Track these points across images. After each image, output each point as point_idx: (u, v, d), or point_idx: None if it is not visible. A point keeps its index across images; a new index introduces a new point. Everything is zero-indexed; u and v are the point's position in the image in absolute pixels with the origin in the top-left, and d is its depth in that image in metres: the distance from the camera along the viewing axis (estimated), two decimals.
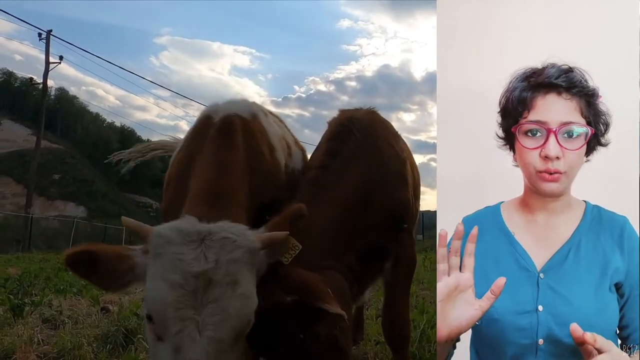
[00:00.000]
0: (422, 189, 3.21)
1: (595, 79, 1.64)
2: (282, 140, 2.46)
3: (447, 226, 1.81)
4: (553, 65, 1.63)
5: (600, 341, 1.36)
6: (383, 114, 2.53)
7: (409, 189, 2.31)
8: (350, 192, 2.04)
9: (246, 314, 1.38)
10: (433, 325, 3.66)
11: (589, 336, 1.36)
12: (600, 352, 1.36)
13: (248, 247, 1.44)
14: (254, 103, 2.57)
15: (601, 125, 1.63)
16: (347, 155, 2.13)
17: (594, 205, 1.67)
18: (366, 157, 2.15)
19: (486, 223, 1.72)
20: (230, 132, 2.02)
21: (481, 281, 1.54)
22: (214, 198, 1.70)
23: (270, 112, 2.79)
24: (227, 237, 1.41)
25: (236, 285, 1.36)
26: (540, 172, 1.59)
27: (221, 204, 1.68)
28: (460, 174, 1.85)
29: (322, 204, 1.96)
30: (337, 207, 1.98)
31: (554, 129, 1.57)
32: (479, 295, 1.49)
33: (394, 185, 2.22)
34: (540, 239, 1.65)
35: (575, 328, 1.37)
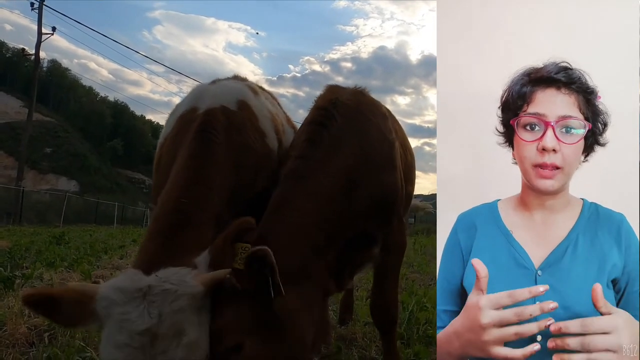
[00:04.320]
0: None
1: (595, 79, 1.64)
2: (275, 119, 2.41)
3: (447, 222, 1.81)
4: (553, 63, 1.65)
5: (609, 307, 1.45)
6: (378, 97, 2.45)
7: (397, 173, 2.21)
8: (334, 182, 1.92)
9: (197, 357, 1.43)
10: (422, 308, 3.72)
11: (601, 303, 1.44)
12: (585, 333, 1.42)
13: (190, 293, 1.45)
14: (242, 83, 2.49)
15: (599, 125, 1.64)
16: (329, 143, 1.99)
17: (591, 203, 1.68)
18: (350, 143, 2.03)
19: (483, 220, 1.73)
20: (208, 134, 1.96)
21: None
22: (175, 223, 1.70)
23: (262, 89, 2.73)
24: (167, 289, 1.43)
25: (182, 335, 1.40)
26: (536, 165, 1.59)
27: (182, 229, 1.68)
28: (460, 171, 1.85)
29: (302, 197, 1.86)
30: (318, 199, 1.87)
31: (552, 122, 1.58)
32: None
33: (381, 170, 2.12)
34: (538, 237, 1.65)
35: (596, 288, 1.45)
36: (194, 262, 1.55)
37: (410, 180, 2.77)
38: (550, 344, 1.43)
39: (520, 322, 1.46)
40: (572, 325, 1.42)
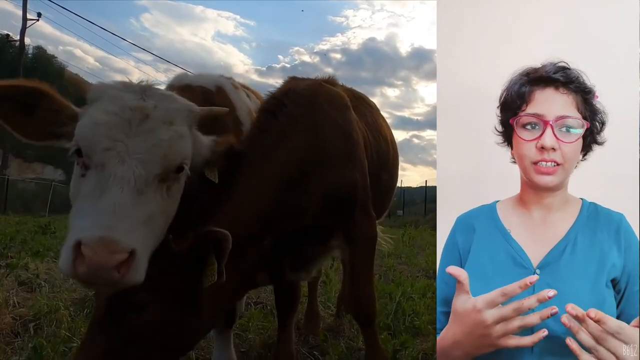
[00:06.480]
0: (404, 165, 3.19)
1: (594, 79, 1.65)
2: (252, 114, 2.42)
3: (447, 222, 1.80)
4: (551, 63, 1.66)
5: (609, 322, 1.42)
6: (367, 89, 2.47)
7: (356, 167, 2.15)
8: (277, 171, 1.87)
9: (178, 151, 1.38)
10: (408, 298, 3.76)
11: (592, 312, 1.41)
12: (608, 332, 1.40)
13: (187, 106, 1.47)
14: (222, 77, 2.53)
15: (597, 124, 1.65)
16: (277, 131, 1.94)
17: (590, 202, 1.69)
18: (301, 134, 1.98)
19: (482, 221, 1.73)
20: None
21: (477, 280, 1.53)
22: None
23: (244, 86, 2.75)
24: (167, 95, 1.45)
25: (172, 125, 1.37)
26: (536, 163, 1.61)
27: None
28: (460, 171, 1.85)
29: (242, 183, 1.81)
30: (259, 186, 1.82)
31: (551, 122, 1.60)
32: (473, 293, 1.51)
33: (336, 164, 2.06)
34: (537, 236, 1.66)
35: (572, 307, 1.42)
36: None
37: (385, 167, 2.71)
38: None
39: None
40: (610, 322, 1.42)
